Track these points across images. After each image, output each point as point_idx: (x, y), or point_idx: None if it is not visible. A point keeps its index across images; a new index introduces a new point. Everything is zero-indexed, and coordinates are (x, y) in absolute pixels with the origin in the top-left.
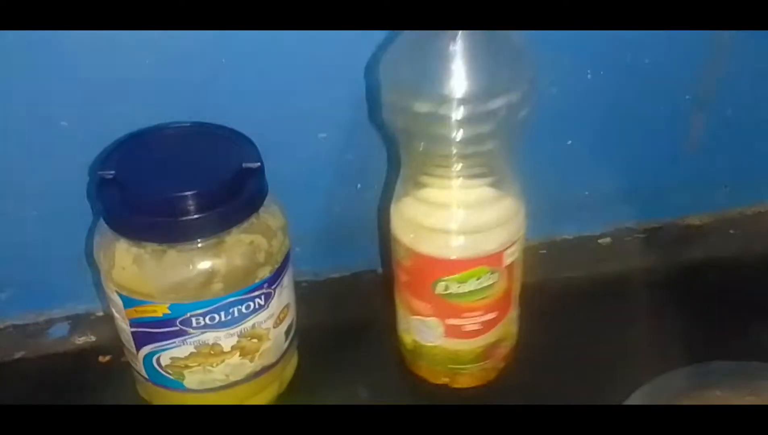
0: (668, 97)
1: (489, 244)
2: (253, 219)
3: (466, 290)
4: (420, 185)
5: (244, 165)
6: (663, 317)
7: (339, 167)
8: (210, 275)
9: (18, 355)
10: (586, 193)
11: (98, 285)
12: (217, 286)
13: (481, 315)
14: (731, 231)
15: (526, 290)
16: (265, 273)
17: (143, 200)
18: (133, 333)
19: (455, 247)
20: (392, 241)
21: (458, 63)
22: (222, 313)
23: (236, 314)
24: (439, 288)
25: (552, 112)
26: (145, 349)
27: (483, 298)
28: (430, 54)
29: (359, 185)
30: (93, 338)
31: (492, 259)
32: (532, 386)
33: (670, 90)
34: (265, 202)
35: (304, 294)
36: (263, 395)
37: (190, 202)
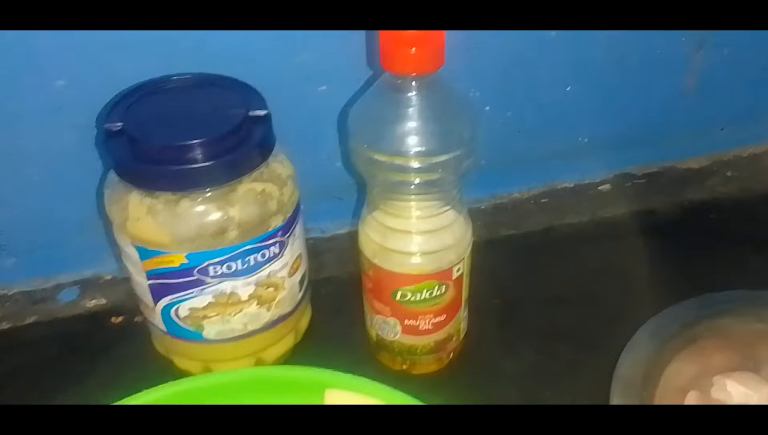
0: (666, 39)
1: (440, 263)
2: (263, 167)
3: (420, 298)
4: (382, 212)
5: (251, 113)
6: (666, 257)
7: (339, 121)
8: (224, 223)
9: (30, 319)
10: (586, 139)
11: (105, 248)
12: (233, 234)
13: (433, 317)
14: (729, 173)
15: (528, 236)
16: (278, 221)
17: (154, 149)
18: (150, 286)
19: (411, 265)
20: (359, 253)
21: (412, 124)
22: (238, 262)
23: (252, 263)
24: (398, 296)
25: (551, 58)
26: (163, 302)
27: (434, 305)
28: (390, 113)
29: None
30: (104, 301)
31: (442, 275)
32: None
33: (668, 33)
34: (274, 152)
35: (310, 250)
36: (280, 345)
37: (201, 149)
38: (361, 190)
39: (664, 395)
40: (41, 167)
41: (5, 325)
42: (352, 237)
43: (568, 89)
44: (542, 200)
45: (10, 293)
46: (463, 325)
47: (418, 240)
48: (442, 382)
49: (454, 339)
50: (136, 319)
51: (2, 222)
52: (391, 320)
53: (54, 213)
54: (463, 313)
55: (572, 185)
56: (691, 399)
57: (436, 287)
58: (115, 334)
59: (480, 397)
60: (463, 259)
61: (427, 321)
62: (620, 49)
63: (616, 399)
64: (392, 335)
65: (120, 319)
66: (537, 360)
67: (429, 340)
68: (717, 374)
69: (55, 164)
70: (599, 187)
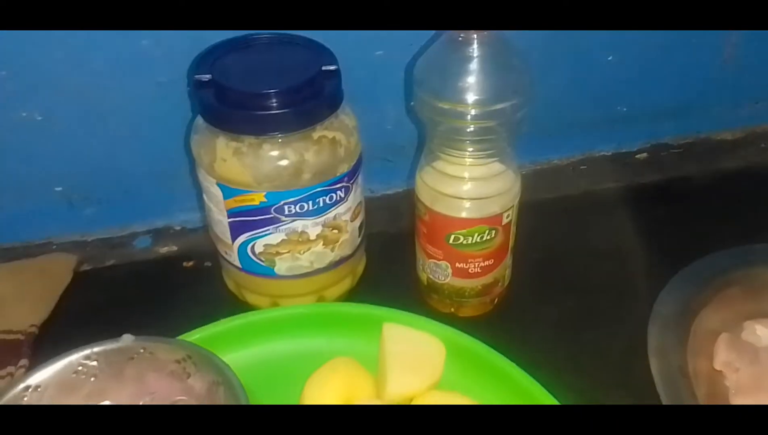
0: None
1: (491, 208)
2: (333, 118)
3: (471, 242)
4: (439, 159)
5: (323, 68)
6: (700, 220)
7: (390, 85)
8: (300, 165)
9: (108, 262)
10: (624, 109)
11: (176, 201)
12: (307, 176)
13: (482, 261)
14: (762, 144)
15: (567, 199)
16: (344, 168)
17: (240, 97)
18: (230, 223)
19: (464, 209)
20: (415, 200)
21: (472, 73)
22: (310, 202)
23: (321, 204)
24: (451, 239)
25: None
26: (241, 238)
27: (484, 249)
28: (452, 63)
29: (412, 102)
30: (175, 248)
31: (492, 220)
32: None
33: None
34: (343, 105)
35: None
36: (340, 286)
37: (281, 97)
38: (408, 153)
39: (698, 335)
40: (124, 122)
41: (86, 267)
42: (401, 196)
43: (609, 58)
44: (581, 167)
45: (89, 240)
46: (508, 272)
47: (471, 186)
48: (486, 324)
49: (499, 284)
50: (206, 263)
51: (86, 174)
52: (443, 263)
53: (131, 166)
54: (509, 259)
55: (610, 153)
56: (723, 340)
57: (487, 232)
58: (188, 276)
59: (521, 338)
60: (512, 207)
61: (476, 264)
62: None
63: (654, 334)
64: (443, 278)
65: (191, 263)
66: (576, 307)
67: (477, 283)
68: (747, 319)
69: (136, 119)
70: (636, 156)
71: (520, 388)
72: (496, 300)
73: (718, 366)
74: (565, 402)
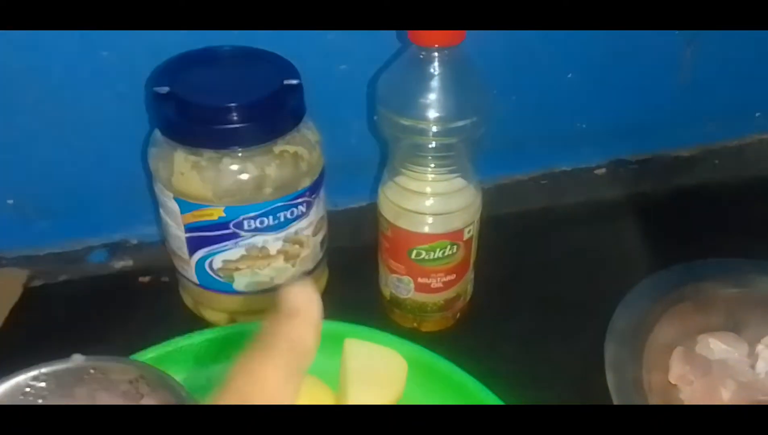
0: (660, 36)
1: (453, 223)
2: (295, 132)
3: (434, 257)
4: (401, 175)
5: (285, 82)
6: (656, 235)
7: (354, 100)
8: (261, 180)
9: (62, 277)
10: (584, 125)
11: (133, 215)
12: (267, 191)
13: (444, 276)
14: (716, 161)
15: (529, 214)
16: (306, 182)
17: (200, 110)
18: (187, 239)
19: (427, 225)
20: (378, 216)
21: (434, 90)
22: (270, 217)
23: (282, 219)
24: (413, 254)
25: (554, 46)
26: (199, 254)
27: (446, 264)
28: (414, 81)
29: (375, 117)
30: (131, 262)
31: (454, 235)
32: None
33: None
34: (305, 119)
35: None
36: None
37: (242, 111)
38: (372, 167)
39: (653, 349)
40: (81, 133)
41: (37, 282)
42: (364, 210)
43: (569, 76)
44: (541, 182)
45: (42, 254)
46: (470, 287)
47: (434, 201)
48: (448, 339)
49: (461, 299)
50: (163, 278)
51: (40, 186)
52: (406, 278)
53: (88, 178)
54: (470, 274)
55: (570, 169)
56: (678, 354)
57: (449, 247)
58: (144, 292)
59: (482, 353)
60: (473, 222)
61: (439, 279)
62: (617, 43)
63: (611, 349)
64: (406, 293)
65: (148, 278)
66: (536, 322)
67: (439, 298)
68: (701, 333)
69: (93, 131)
70: (595, 171)
71: (479, 401)
72: (458, 315)
73: (673, 379)
74: None
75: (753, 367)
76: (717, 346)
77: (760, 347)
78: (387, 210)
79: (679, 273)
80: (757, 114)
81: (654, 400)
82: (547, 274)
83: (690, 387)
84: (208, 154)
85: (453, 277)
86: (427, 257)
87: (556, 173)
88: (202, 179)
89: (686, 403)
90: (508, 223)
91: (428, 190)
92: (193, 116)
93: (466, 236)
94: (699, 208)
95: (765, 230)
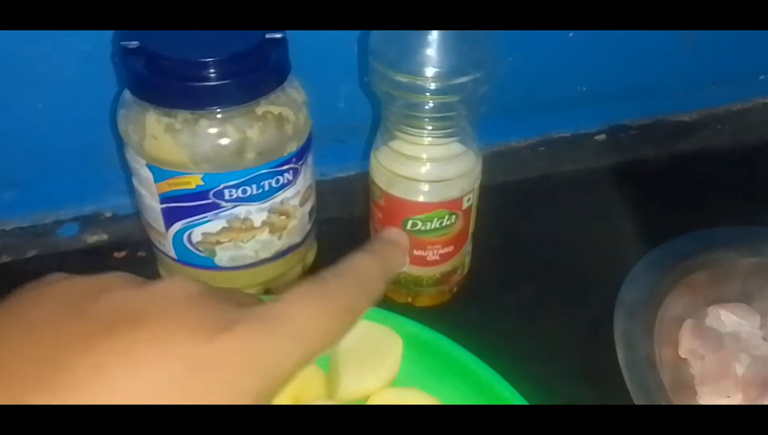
0: None
1: (451, 191)
2: (279, 91)
3: (430, 227)
4: (396, 139)
5: (268, 35)
6: (658, 202)
7: (343, 59)
8: (242, 144)
9: (30, 253)
10: (584, 88)
11: (105, 185)
12: (250, 156)
13: (441, 248)
14: (719, 126)
15: (527, 182)
16: (293, 147)
17: (173, 66)
18: (163, 210)
19: (423, 193)
20: (370, 183)
21: (433, 44)
22: (254, 186)
23: (267, 188)
24: (408, 225)
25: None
26: (176, 226)
27: (444, 235)
28: (411, 33)
29: (366, 79)
30: (105, 236)
31: (452, 204)
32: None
33: None
34: (290, 78)
35: None
36: (289, 276)
37: (220, 67)
38: (363, 133)
39: (663, 322)
40: (45, 95)
41: (5, 259)
42: (354, 180)
43: (570, 35)
44: (539, 149)
45: (8, 229)
46: (468, 260)
47: (430, 168)
48: (444, 314)
49: (458, 272)
50: (139, 253)
51: (3, 154)
52: None
53: (55, 145)
54: (468, 246)
55: (569, 135)
56: (687, 327)
57: (447, 216)
58: (119, 268)
59: (480, 328)
60: (473, 190)
61: (435, 251)
62: None
63: (620, 324)
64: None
65: (123, 253)
66: (536, 294)
67: (435, 271)
68: (711, 305)
69: (58, 92)
70: (595, 137)
71: (479, 379)
72: (455, 289)
73: (683, 353)
74: (523, 391)
75: (766, 338)
76: (728, 318)
77: None
78: (380, 177)
79: (689, 242)
80: (761, 77)
81: (665, 375)
82: (547, 243)
83: (701, 362)
84: (183, 115)
85: (450, 249)
86: (423, 228)
87: (554, 139)
88: (176, 143)
89: (697, 378)
90: (506, 192)
91: (425, 155)
92: (166, 73)
93: (465, 205)
94: (701, 174)
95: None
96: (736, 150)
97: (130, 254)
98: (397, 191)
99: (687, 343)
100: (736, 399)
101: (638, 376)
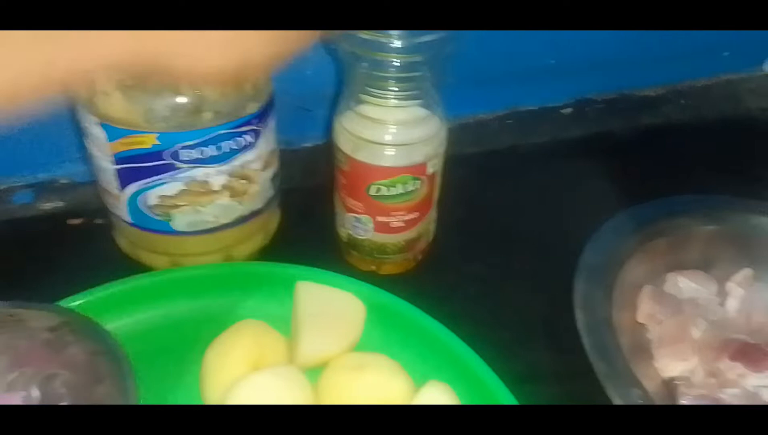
0: None
1: (415, 156)
2: None
3: (394, 193)
4: (361, 103)
5: None
6: (623, 174)
7: None
8: (199, 102)
9: None
10: (552, 61)
11: (60, 152)
12: (207, 115)
13: (405, 214)
14: (683, 101)
15: (494, 154)
16: (253, 108)
17: None
18: (117, 171)
19: (387, 157)
20: (335, 149)
21: None
22: (212, 147)
23: (226, 149)
24: (372, 190)
25: None
26: (131, 188)
27: (407, 201)
28: None
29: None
30: (61, 204)
31: (416, 169)
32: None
33: None
34: None
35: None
36: (250, 243)
37: None
38: (330, 103)
39: (623, 287)
40: None
41: None
42: (321, 150)
43: None
44: (507, 121)
45: None
46: (432, 227)
47: (395, 131)
48: (409, 282)
49: (423, 240)
50: (96, 220)
51: None
52: (364, 217)
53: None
54: (433, 213)
55: (536, 108)
56: (646, 292)
57: (411, 182)
58: (75, 235)
59: (445, 295)
60: (437, 155)
61: (399, 218)
62: None
63: (580, 287)
64: (364, 233)
65: (79, 220)
66: (500, 262)
67: (400, 238)
68: (671, 271)
69: None
70: (561, 111)
71: (441, 343)
72: (420, 257)
73: (641, 319)
74: (485, 356)
75: (722, 304)
76: (686, 285)
77: (730, 285)
78: (344, 142)
79: (650, 209)
80: (725, 53)
81: (624, 339)
82: (513, 214)
83: (659, 326)
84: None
85: (415, 215)
86: (387, 193)
87: (521, 112)
88: (129, 100)
89: (654, 343)
90: (473, 163)
91: (389, 118)
92: None
93: (429, 171)
94: (665, 148)
95: (730, 169)
96: (699, 124)
97: (87, 221)
98: (362, 156)
99: (646, 308)
100: (693, 362)
101: (597, 339)
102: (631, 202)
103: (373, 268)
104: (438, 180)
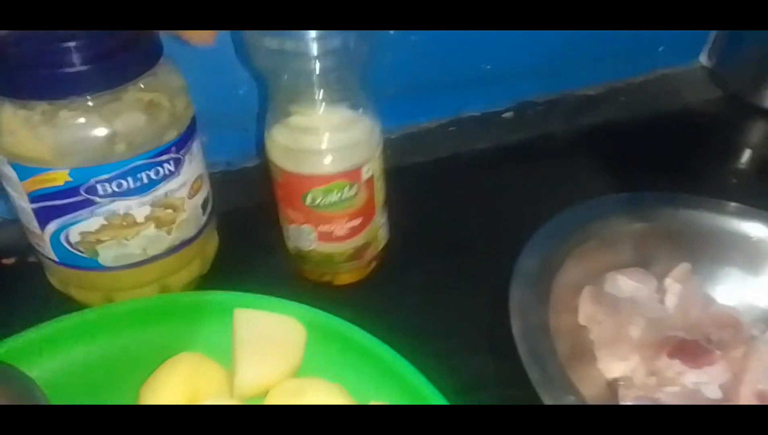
0: None
1: (349, 160)
2: (149, 76)
3: (331, 201)
4: (288, 114)
5: None
6: (564, 177)
7: (237, 44)
8: (111, 135)
9: None
10: (489, 67)
11: None
12: (120, 148)
13: (347, 221)
14: (622, 98)
15: (437, 162)
16: (172, 135)
17: (26, 53)
18: (34, 210)
19: (318, 165)
20: (269, 164)
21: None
22: (130, 179)
23: (145, 180)
24: (308, 200)
25: None
26: (51, 227)
27: (347, 208)
28: None
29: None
30: None
31: (351, 175)
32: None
33: None
34: (163, 61)
35: (219, 182)
36: (185, 272)
37: (80, 50)
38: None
39: (560, 290)
40: None
41: None
42: (262, 168)
43: None
44: (450, 129)
45: None
46: (382, 233)
47: (325, 137)
48: (361, 291)
49: (372, 246)
50: (30, 259)
51: None
52: (306, 227)
53: None
54: (378, 218)
55: (478, 114)
56: (586, 293)
57: (347, 188)
58: (8, 275)
59: (390, 306)
60: (373, 158)
61: (342, 226)
62: None
63: (516, 293)
64: (308, 244)
65: (12, 260)
66: (444, 270)
67: (346, 246)
68: (609, 271)
69: None
70: (503, 115)
71: (382, 362)
72: (374, 264)
73: (582, 320)
74: (426, 369)
75: (662, 301)
76: (625, 283)
77: (668, 281)
78: (275, 154)
79: (583, 211)
80: (660, 48)
81: (562, 342)
82: (456, 221)
83: (599, 327)
84: (42, 106)
85: (357, 222)
86: (323, 202)
87: (463, 119)
88: (36, 137)
89: (595, 344)
90: (417, 172)
91: (319, 125)
92: (18, 60)
93: (365, 176)
94: (606, 146)
95: (671, 164)
96: (638, 121)
97: (20, 260)
98: (294, 166)
99: (586, 310)
100: (633, 361)
101: (531, 345)
102: (571, 204)
103: (328, 278)
104: (377, 185)
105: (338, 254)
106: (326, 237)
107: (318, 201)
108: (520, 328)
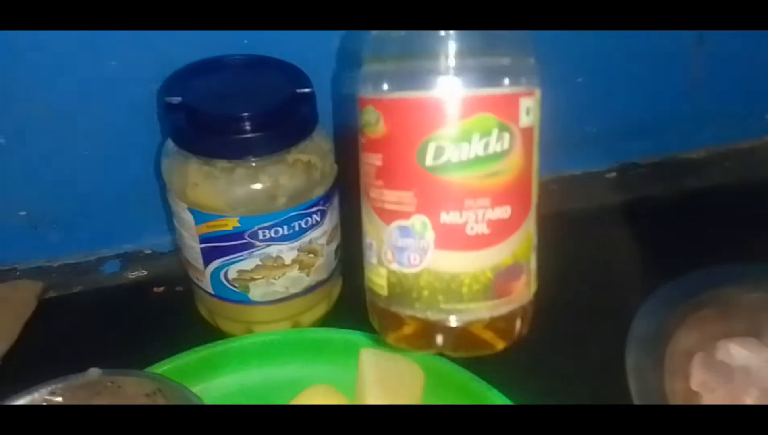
0: (669, 37)
1: (494, 79)
2: (308, 140)
3: (467, 157)
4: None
5: (297, 90)
6: (668, 239)
7: None
8: (275, 189)
9: (75, 288)
10: (594, 129)
11: (145, 224)
12: (281, 201)
13: (490, 205)
14: (726, 163)
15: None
16: (320, 191)
17: (212, 120)
18: (202, 249)
19: (448, 83)
20: (359, 120)
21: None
22: (285, 227)
23: (297, 228)
24: (428, 156)
25: (564, 51)
26: (214, 264)
27: (492, 175)
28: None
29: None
30: (145, 272)
31: (502, 107)
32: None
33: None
34: (316, 128)
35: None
36: (315, 310)
37: (255, 120)
38: None
39: (674, 356)
40: (91, 144)
41: (52, 293)
42: None
43: (578, 80)
44: (551, 187)
45: (55, 265)
46: (532, 256)
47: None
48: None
49: (523, 277)
50: (177, 288)
51: (52, 198)
52: (416, 222)
53: (99, 189)
54: (532, 221)
55: (580, 173)
56: (698, 360)
57: (494, 131)
58: (158, 303)
59: (496, 359)
60: (533, 95)
61: (480, 214)
62: (627, 45)
63: (632, 356)
64: (418, 259)
65: (162, 288)
66: (550, 329)
67: (482, 261)
68: (721, 339)
69: (103, 141)
70: (605, 175)
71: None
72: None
73: (694, 386)
74: None
75: None
76: (738, 352)
77: None
78: (370, 83)
79: (698, 279)
80: (767, 115)
81: None
82: (560, 281)
83: (712, 395)
84: (222, 164)
85: (505, 212)
86: (452, 159)
87: (565, 177)
88: (215, 190)
89: None
90: None
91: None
92: (206, 126)
93: (524, 119)
94: (710, 211)
95: None
96: (743, 187)
97: (169, 289)
98: (405, 88)
99: (698, 376)
100: None
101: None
102: (677, 266)
103: (437, 348)
104: (536, 155)
105: (467, 277)
106: (450, 237)
107: (443, 156)
108: (637, 390)
